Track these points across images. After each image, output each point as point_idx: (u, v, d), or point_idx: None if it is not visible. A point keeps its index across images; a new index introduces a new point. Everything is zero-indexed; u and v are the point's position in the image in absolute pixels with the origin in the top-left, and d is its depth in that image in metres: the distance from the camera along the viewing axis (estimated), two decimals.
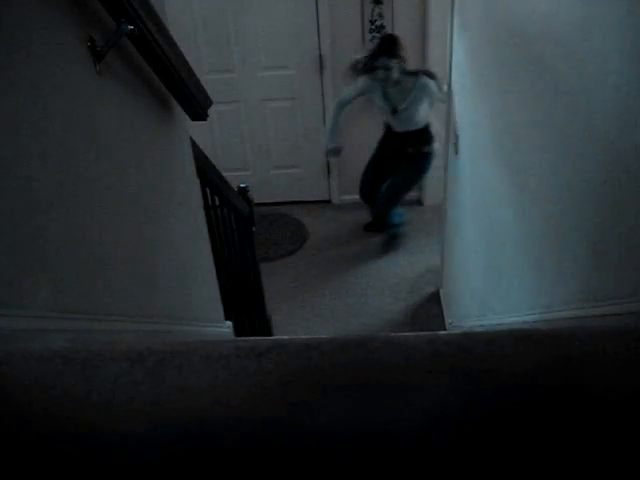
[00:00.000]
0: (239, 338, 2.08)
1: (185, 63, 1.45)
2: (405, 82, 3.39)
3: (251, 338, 0.70)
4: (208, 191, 2.15)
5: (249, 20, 4.05)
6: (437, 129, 3.55)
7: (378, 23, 4.01)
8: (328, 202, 4.60)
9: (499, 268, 1.83)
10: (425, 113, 3.50)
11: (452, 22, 2.76)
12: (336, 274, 3.84)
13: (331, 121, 3.67)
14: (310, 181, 4.52)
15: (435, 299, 3.55)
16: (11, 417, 0.51)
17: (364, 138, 3.97)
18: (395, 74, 3.34)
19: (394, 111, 3.49)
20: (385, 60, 3.32)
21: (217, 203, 2.28)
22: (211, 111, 1.76)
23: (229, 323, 2.11)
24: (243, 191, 2.69)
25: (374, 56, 3.37)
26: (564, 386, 0.53)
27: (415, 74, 3.42)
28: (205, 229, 1.95)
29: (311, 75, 4.12)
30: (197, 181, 1.92)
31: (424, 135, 3.59)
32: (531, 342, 0.60)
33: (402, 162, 3.69)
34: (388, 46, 3.36)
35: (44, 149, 0.85)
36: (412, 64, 3.55)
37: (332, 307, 3.47)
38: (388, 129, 3.71)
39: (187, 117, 1.70)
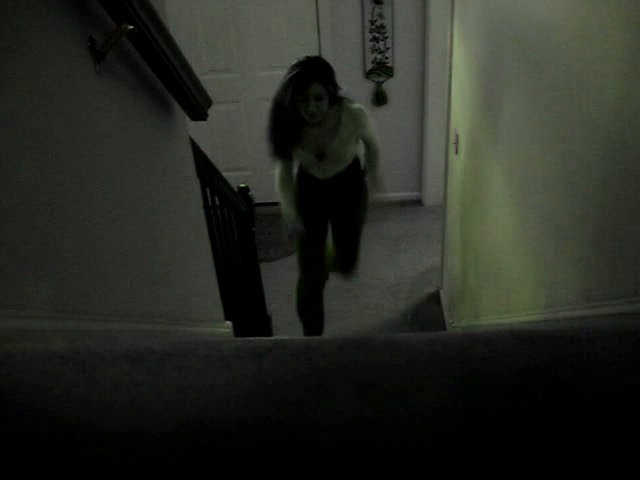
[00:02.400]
0: (239, 338, 2.08)
1: (185, 63, 1.45)
2: (329, 116, 2.50)
3: (251, 338, 0.70)
4: (208, 191, 2.15)
5: (249, 20, 4.05)
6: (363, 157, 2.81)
7: (378, 23, 4.01)
8: None
9: (499, 268, 1.83)
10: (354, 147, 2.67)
11: (452, 22, 2.76)
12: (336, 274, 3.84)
13: (285, 205, 2.74)
14: None
15: (435, 299, 3.55)
16: (11, 417, 0.51)
17: None
18: (323, 109, 2.42)
19: (320, 156, 2.58)
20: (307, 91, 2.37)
21: (217, 203, 2.28)
22: (211, 111, 1.76)
23: (229, 323, 2.11)
24: (243, 191, 2.69)
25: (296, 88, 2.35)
26: (564, 386, 0.53)
27: (338, 100, 2.51)
28: (205, 229, 1.95)
29: None
30: (197, 181, 1.92)
31: (356, 168, 2.76)
32: (531, 342, 0.60)
33: (343, 206, 2.84)
34: (315, 70, 2.40)
35: (43, 149, 0.85)
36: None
37: (332, 307, 3.47)
38: (306, 180, 2.74)
39: (187, 117, 1.70)
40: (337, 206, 2.85)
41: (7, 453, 0.48)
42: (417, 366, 0.56)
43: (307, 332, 3.19)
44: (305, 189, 2.78)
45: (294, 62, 2.39)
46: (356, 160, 2.75)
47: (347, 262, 3.08)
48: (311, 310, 3.12)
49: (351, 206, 2.85)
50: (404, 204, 4.58)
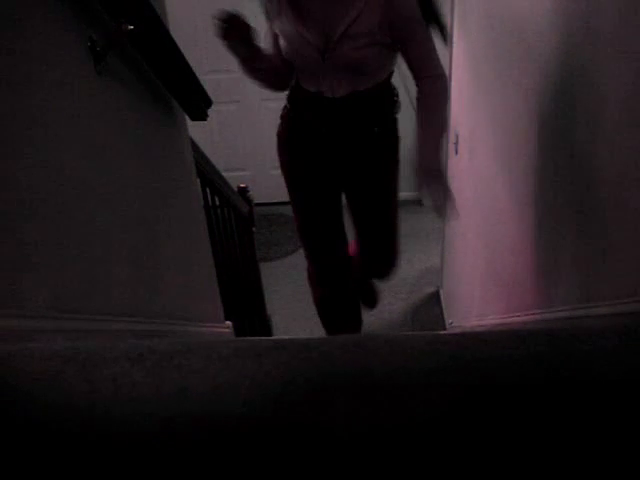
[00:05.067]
0: (239, 338, 2.08)
1: (185, 63, 1.45)
2: None
3: (251, 338, 0.70)
4: (208, 191, 2.15)
5: (249, 20, 4.05)
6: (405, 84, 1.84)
7: None
8: None
9: (499, 268, 1.83)
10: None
11: (452, 22, 2.76)
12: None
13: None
14: None
15: (435, 299, 3.55)
16: (11, 417, 0.51)
17: None
18: None
19: (325, 47, 1.59)
20: None
21: (217, 203, 2.28)
22: (211, 111, 1.76)
23: (229, 323, 2.11)
24: (243, 191, 2.69)
25: None
26: (564, 386, 0.53)
27: None
28: (205, 229, 1.95)
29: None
30: (197, 181, 1.92)
31: (387, 99, 1.77)
32: (531, 342, 0.60)
33: (359, 170, 1.83)
34: None
35: (43, 149, 0.85)
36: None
37: None
38: (305, 105, 1.74)
39: (187, 117, 1.70)
40: (352, 158, 1.78)
41: (7, 453, 0.48)
42: (417, 366, 0.56)
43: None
44: (301, 126, 1.76)
45: None
46: (387, 88, 1.74)
47: (376, 260, 2.08)
48: (337, 312, 2.18)
49: (376, 162, 1.79)
50: (404, 204, 4.57)
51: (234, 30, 1.60)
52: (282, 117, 1.86)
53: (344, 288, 2.14)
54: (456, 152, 2.76)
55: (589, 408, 0.51)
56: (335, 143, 1.76)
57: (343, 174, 1.86)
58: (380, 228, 1.99)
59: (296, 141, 1.83)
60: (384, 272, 2.17)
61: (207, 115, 1.72)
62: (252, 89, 4.31)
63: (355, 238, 2.09)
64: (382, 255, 2.08)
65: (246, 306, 2.75)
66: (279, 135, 1.88)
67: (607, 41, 0.90)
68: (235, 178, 3.10)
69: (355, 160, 1.80)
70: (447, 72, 2.92)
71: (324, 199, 1.93)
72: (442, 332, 3.04)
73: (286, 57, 1.69)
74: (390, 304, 3.56)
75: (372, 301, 2.47)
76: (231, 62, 4.42)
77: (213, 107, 1.78)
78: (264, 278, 3.15)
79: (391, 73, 1.76)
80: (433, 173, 1.61)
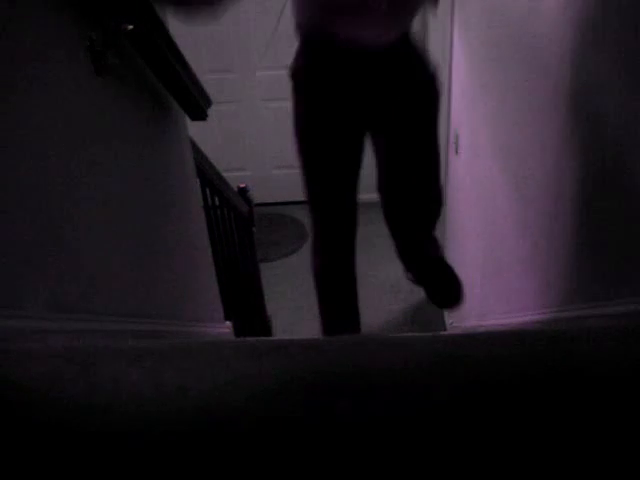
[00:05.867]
0: (239, 338, 2.08)
1: (185, 63, 1.45)
2: None
3: (251, 339, 0.70)
4: (208, 191, 2.15)
5: (249, 20, 4.05)
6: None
7: None
8: None
9: (498, 268, 1.83)
10: None
11: (452, 22, 2.76)
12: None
13: None
14: None
15: None
16: (10, 417, 0.51)
17: None
18: None
19: None
20: None
21: (217, 203, 2.28)
22: (211, 111, 1.76)
23: (229, 323, 2.11)
24: (243, 191, 2.70)
25: None
26: (564, 386, 0.53)
27: None
28: (205, 229, 1.95)
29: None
30: (197, 181, 1.92)
31: (415, 48, 1.59)
32: (531, 342, 0.60)
33: (391, 118, 1.59)
34: None
35: (42, 149, 0.85)
36: None
37: None
38: (339, 59, 1.45)
39: (187, 117, 1.70)
40: (388, 107, 1.53)
41: (7, 453, 0.48)
42: (417, 366, 0.56)
43: (331, 324, 1.88)
44: (325, 83, 1.48)
45: None
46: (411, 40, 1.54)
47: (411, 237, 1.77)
48: (337, 286, 1.90)
49: (415, 106, 1.55)
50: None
51: None
52: (294, 70, 1.54)
53: (347, 257, 1.88)
54: (456, 152, 2.76)
55: (589, 408, 0.51)
56: (370, 96, 1.50)
57: (374, 120, 1.60)
58: (420, 166, 1.67)
59: (319, 93, 1.52)
60: (430, 213, 1.74)
61: (207, 115, 1.72)
62: (252, 89, 4.31)
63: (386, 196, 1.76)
64: (426, 197, 1.74)
65: (246, 306, 2.75)
66: (294, 76, 1.55)
67: (612, 41, 0.91)
68: (235, 178, 3.10)
69: (392, 107, 1.54)
70: (447, 72, 2.93)
71: (347, 147, 1.63)
72: (442, 332, 3.04)
73: None
74: (390, 304, 3.56)
75: (449, 289, 1.82)
76: (231, 62, 4.41)
77: (213, 107, 1.78)
78: (264, 278, 3.15)
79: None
80: None
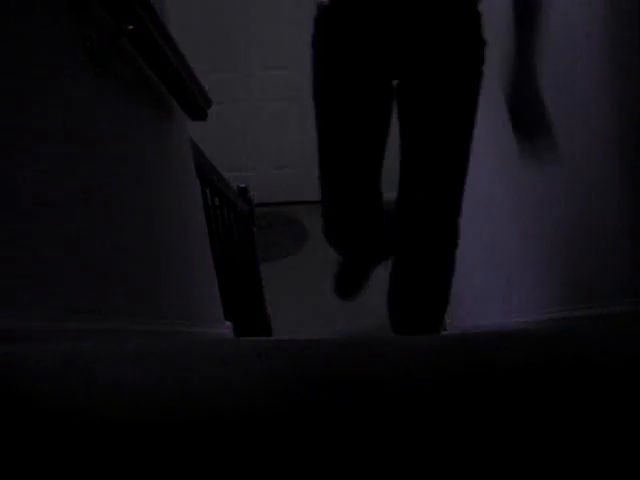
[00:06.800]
0: (239, 338, 2.08)
1: (185, 63, 1.45)
2: None
3: (251, 338, 0.70)
4: (208, 191, 2.15)
5: (249, 20, 4.05)
6: None
7: None
8: None
9: (499, 269, 1.83)
10: None
11: None
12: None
13: None
14: (310, 181, 4.50)
15: None
16: (11, 417, 0.51)
17: None
18: None
19: None
20: None
21: (217, 203, 2.28)
22: (211, 111, 1.76)
23: (229, 323, 2.11)
24: (243, 191, 2.69)
25: None
26: (564, 385, 0.53)
27: None
28: (205, 229, 1.95)
29: (311, 75, 4.12)
30: (197, 181, 1.92)
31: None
32: (531, 342, 0.60)
33: (425, 94, 1.44)
34: None
35: (43, 149, 0.85)
36: None
37: (332, 307, 3.47)
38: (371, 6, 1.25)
39: (187, 117, 1.70)
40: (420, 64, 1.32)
41: (7, 453, 0.48)
42: (417, 366, 0.56)
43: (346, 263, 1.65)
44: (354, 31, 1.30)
45: None
46: None
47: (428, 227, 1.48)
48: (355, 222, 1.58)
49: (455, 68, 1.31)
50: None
51: None
52: (318, 13, 1.31)
53: (371, 245, 1.58)
54: None
55: (589, 408, 0.51)
56: (401, 34, 1.27)
57: (404, 68, 1.37)
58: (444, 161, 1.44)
59: (345, 34, 1.32)
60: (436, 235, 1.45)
61: (207, 115, 1.72)
62: (252, 89, 4.31)
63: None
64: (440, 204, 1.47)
65: (246, 306, 2.75)
66: (317, 20, 1.34)
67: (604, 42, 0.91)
68: (235, 178, 3.10)
69: (426, 52, 1.29)
70: None
71: (373, 106, 1.45)
72: (442, 332, 3.04)
73: None
74: None
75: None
76: (231, 62, 4.41)
77: (213, 107, 1.78)
78: (264, 278, 3.14)
79: None
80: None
